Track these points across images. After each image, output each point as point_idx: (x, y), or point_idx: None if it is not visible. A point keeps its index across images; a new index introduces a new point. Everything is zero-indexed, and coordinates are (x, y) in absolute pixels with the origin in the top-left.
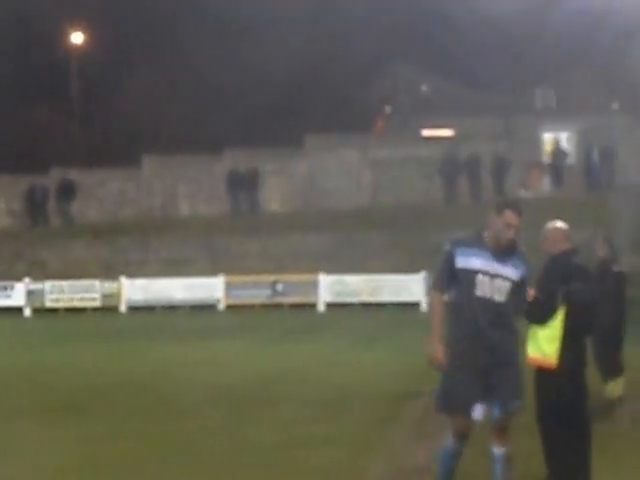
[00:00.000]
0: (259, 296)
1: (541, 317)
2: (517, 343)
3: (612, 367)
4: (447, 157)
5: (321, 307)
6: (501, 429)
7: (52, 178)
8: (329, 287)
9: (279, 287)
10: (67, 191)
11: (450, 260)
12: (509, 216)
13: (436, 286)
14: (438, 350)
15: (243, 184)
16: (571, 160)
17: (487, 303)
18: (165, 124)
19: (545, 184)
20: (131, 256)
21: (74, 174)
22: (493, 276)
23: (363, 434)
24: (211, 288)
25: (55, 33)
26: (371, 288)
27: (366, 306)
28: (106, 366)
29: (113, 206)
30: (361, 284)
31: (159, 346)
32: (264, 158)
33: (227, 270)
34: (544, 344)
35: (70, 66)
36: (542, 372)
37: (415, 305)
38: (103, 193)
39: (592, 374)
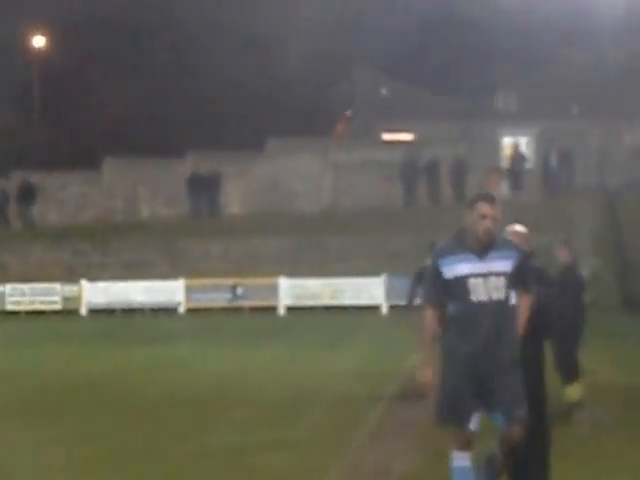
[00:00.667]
0: (219, 299)
1: None
2: (517, 345)
3: (572, 371)
4: (407, 161)
5: (281, 310)
6: (509, 441)
7: (13, 181)
8: (289, 290)
9: (239, 291)
10: (28, 194)
11: (437, 272)
12: (482, 207)
13: (427, 301)
14: (428, 375)
15: (204, 187)
16: (530, 164)
17: (486, 306)
18: (126, 127)
19: (504, 188)
20: (92, 259)
21: (35, 177)
22: (486, 275)
23: (322, 437)
24: (171, 291)
25: (17, 36)
26: (331, 291)
27: (326, 309)
28: (67, 369)
29: (74, 209)
30: (321, 287)
31: (120, 349)
32: (226, 161)
33: (188, 273)
34: None
35: (32, 69)
36: None
37: (375, 308)
38: (64, 196)
39: (551, 377)
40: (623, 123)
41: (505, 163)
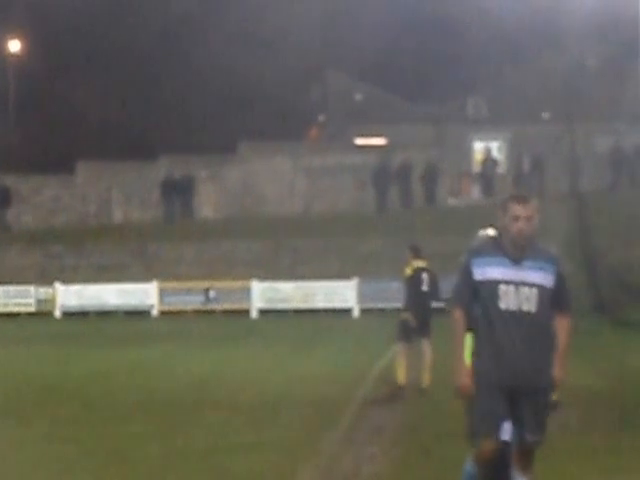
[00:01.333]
0: (192, 302)
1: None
2: (552, 360)
3: None
4: (380, 165)
5: (254, 313)
6: (523, 453)
7: None
8: (262, 294)
9: (212, 294)
10: (2, 198)
11: (468, 272)
12: (514, 208)
13: (457, 301)
14: (465, 373)
15: (178, 190)
16: (502, 169)
17: (515, 316)
18: (100, 131)
19: (475, 192)
20: (66, 262)
21: (9, 181)
22: (518, 284)
23: (293, 440)
24: (145, 294)
25: None
26: (303, 294)
27: (298, 312)
28: (40, 370)
29: (48, 212)
30: (293, 291)
31: (93, 351)
32: (198, 164)
33: (161, 276)
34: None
35: (7, 73)
36: None
37: (347, 311)
38: (38, 199)
39: None
40: (595, 128)
41: (477, 167)
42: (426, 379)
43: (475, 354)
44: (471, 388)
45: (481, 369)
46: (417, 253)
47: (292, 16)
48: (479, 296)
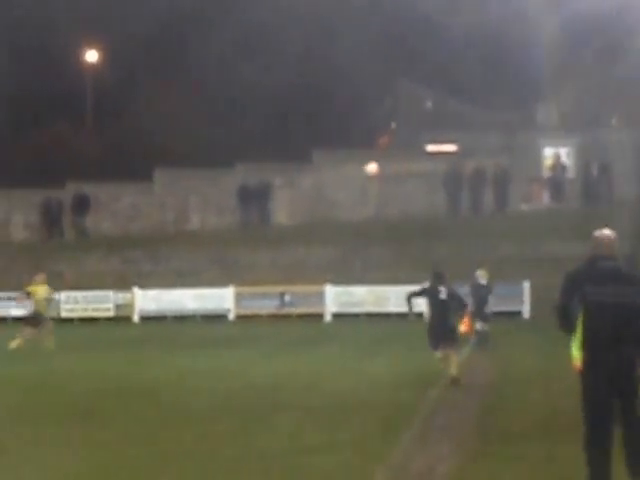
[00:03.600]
0: (268, 306)
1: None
2: None
3: None
4: (451, 171)
5: (327, 317)
6: None
7: (67, 192)
8: (335, 298)
9: (287, 298)
10: (82, 205)
11: None
12: None
13: None
14: None
15: (254, 197)
16: (571, 174)
17: None
18: (177, 139)
19: (545, 198)
20: (144, 267)
21: (89, 188)
22: None
23: (367, 440)
24: (221, 298)
25: (71, 51)
26: (376, 298)
27: (371, 316)
28: (119, 374)
29: (126, 219)
30: (366, 295)
31: (170, 355)
32: (273, 172)
33: (237, 281)
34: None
35: (85, 83)
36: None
37: (419, 316)
38: (117, 207)
39: None
40: None
41: (546, 173)
42: (454, 371)
43: None
44: None
45: None
46: (439, 279)
47: (365, 26)
48: None
